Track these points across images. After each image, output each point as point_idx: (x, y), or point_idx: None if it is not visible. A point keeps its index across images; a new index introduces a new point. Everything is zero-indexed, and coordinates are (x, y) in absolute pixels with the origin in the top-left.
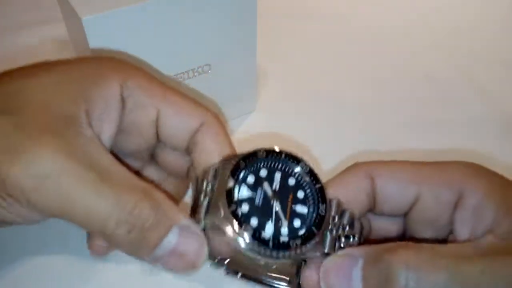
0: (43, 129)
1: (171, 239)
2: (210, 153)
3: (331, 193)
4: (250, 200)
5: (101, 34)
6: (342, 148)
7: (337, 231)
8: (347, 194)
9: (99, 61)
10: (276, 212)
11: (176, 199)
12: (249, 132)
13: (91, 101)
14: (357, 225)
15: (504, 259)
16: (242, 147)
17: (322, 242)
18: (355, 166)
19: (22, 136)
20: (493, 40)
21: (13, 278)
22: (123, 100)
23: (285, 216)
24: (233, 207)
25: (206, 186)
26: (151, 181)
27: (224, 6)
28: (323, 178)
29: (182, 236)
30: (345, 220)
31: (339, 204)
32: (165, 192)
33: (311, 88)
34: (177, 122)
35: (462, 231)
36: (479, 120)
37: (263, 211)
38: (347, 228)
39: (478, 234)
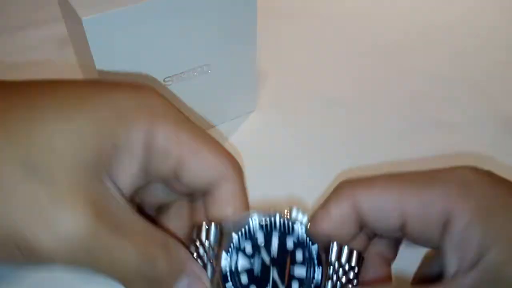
0: (71, 188)
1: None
2: (223, 208)
3: (326, 232)
4: (249, 271)
5: (101, 34)
6: (342, 147)
7: (337, 276)
8: (334, 228)
9: (126, 97)
10: (274, 280)
11: (183, 242)
12: (249, 132)
13: (115, 152)
14: (355, 255)
15: None
16: (242, 147)
17: None
18: (338, 194)
19: (53, 203)
20: (493, 40)
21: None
22: (147, 148)
23: (282, 283)
24: (228, 283)
25: (209, 246)
26: (165, 228)
27: (224, 6)
28: (323, 183)
29: (190, 285)
30: (344, 258)
31: (337, 245)
32: (176, 237)
33: (311, 88)
34: (198, 172)
35: (451, 261)
36: (479, 120)
37: (262, 280)
38: (346, 265)
39: (465, 266)
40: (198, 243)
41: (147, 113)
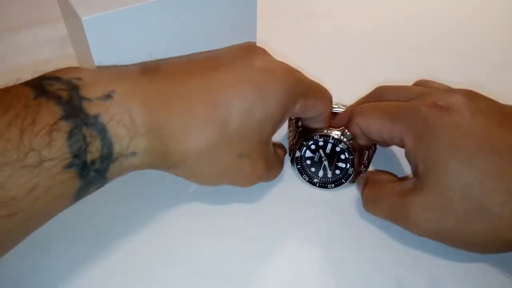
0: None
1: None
2: (314, 125)
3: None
4: (311, 158)
5: (101, 34)
6: None
7: (361, 166)
8: (358, 140)
9: (293, 82)
10: (325, 166)
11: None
12: None
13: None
14: (366, 154)
15: (402, 200)
16: None
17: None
18: (352, 120)
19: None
20: (493, 40)
21: (14, 278)
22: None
23: (330, 168)
24: (298, 163)
25: (292, 142)
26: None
27: (224, 6)
28: None
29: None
30: (364, 158)
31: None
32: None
33: None
34: (311, 116)
35: (410, 166)
36: None
37: (318, 165)
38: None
39: (412, 171)
40: (290, 140)
41: (300, 94)
